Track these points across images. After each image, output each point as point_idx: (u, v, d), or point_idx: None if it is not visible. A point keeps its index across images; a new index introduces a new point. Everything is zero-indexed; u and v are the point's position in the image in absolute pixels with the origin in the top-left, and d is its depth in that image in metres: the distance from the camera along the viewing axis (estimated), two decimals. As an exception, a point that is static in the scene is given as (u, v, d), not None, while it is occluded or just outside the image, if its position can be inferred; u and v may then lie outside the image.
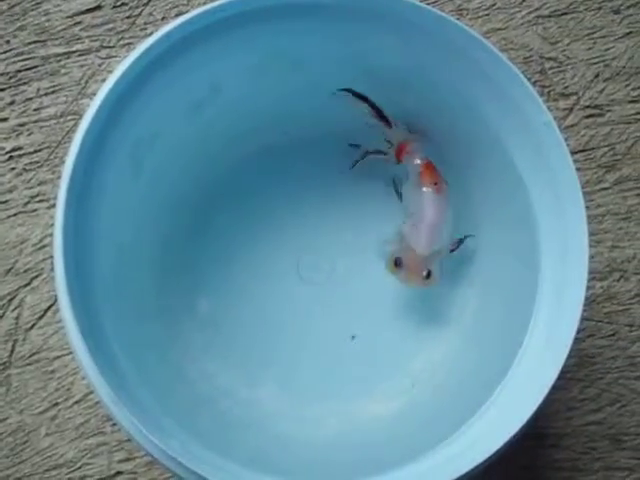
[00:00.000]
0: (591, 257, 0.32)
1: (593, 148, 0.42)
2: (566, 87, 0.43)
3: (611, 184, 0.42)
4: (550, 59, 0.43)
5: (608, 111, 0.42)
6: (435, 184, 0.35)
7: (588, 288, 0.31)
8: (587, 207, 0.31)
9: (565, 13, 0.44)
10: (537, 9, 0.44)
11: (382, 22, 0.32)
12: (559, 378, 0.29)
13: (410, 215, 0.35)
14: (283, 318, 0.37)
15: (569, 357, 0.30)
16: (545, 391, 0.29)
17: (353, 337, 0.37)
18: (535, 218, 0.32)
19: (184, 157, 0.35)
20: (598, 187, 0.42)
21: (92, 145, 0.30)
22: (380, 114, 0.36)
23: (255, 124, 0.36)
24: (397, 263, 0.34)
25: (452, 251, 0.36)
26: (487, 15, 0.43)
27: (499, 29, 0.43)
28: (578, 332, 0.30)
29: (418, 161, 0.36)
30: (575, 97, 0.43)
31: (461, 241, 0.36)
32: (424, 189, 0.35)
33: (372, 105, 0.36)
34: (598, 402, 0.39)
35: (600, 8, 0.44)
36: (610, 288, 0.40)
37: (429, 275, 0.34)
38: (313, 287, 0.37)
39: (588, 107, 0.42)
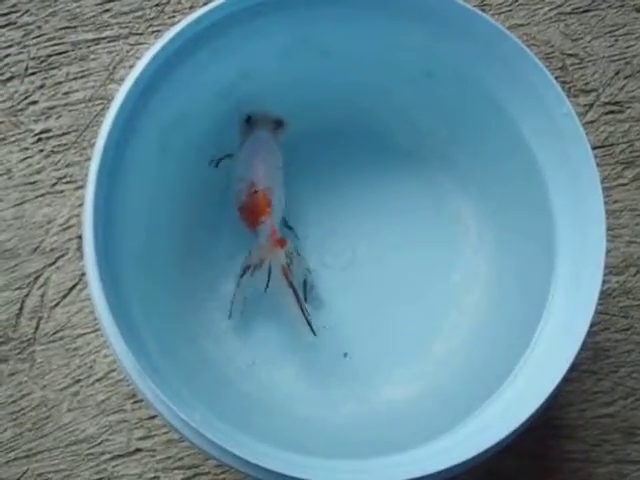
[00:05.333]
0: (608, 252, 0.32)
1: (612, 144, 0.42)
2: (586, 83, 0.43)
3: (629, 180, 0.42)
4: (571, 55, 0.43)
5: (628, 108, 0.43)
6: None
7: (604, 282, 0.31)
8: (605, 202, 0.31)
9: (587, 10, 0.44)
10: (559, 6, 0.44)
11: (409, 12, 0.32)
12: (573, 370, 0.30)
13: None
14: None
15: (584, 350, 0.30)
16: (559, 377, 0.29)
17: (372, 322, 0.37)
18: (553, 211, 0.33)
19: (210, 141, 0.36)
20: (616, 183, 0.42)
21: (121, 127, 0.31)
22: None
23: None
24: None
25: None
26: (510, 11, 0.44)
27: (521, 25, 0.44)
28: (593, 325, 0.30)
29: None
30: (595, 94, 0.43)
31: None
32: None
33: None
34: (611, 395, 0.39)
35: (622, 6, 0.44)
36: (626, 283, 0.41)
37: None
38: (335, 271, 0.38)
39: (608, 104, 0.43)
